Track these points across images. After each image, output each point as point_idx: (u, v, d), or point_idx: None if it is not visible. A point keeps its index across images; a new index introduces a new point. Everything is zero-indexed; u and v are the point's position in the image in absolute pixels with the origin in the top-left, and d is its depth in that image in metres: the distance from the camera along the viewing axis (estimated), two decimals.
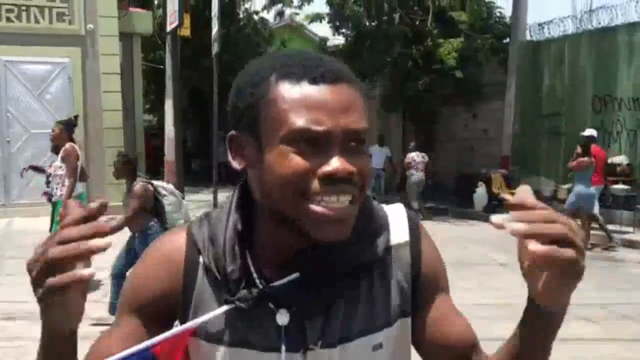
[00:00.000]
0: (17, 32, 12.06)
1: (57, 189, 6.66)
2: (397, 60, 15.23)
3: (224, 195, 12.66)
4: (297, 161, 0.88)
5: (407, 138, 18.73)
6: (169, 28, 12.73)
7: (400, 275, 1.02)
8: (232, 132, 0.97)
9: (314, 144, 0.88)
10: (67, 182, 6.61)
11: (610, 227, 11.34)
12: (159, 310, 1.01)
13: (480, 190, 14.22)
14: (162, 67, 15.84)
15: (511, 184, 14.46)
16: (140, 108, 15.01)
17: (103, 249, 0.75)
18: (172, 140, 12.80)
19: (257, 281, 0.95)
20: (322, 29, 19.62)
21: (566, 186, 13.06)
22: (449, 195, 15.69)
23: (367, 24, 16.03)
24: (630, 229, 10.90)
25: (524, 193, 0.81)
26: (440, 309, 1.05)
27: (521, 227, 0.75)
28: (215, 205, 10.90)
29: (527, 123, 15.29)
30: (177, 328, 0.96)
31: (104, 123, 12.79)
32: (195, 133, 27.93)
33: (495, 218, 0.77)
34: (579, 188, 10.00)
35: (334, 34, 16.89)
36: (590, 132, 10.95)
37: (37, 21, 12.29)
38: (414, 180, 13.38)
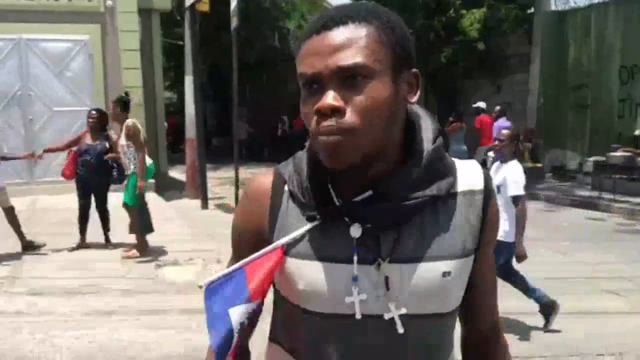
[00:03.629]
0: (37, 10, 12.03)
1: (130, 163, 7.06)
2: (419, 32, 14.99)
3: (245, 172, 12.66)
4: (304, 102, 1.06)
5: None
6: (187, 3, 12.63)
7: (472, 217, 1.13)
8: None
9: (314, 84, 1.03)
10: (138, 157, 6.99)
11: (631, 199, 11.15)
12: (256, 240, 1.16)
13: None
14: (181, 43, 15.76)
15: (536, 157, 14.26)
16: (160, 85, 14.98)
17: None
18: (193, 117, 12.76)
19: (335, 199, 1.09)
20: (342, 0, 19.36)
21: (592, 159, 12.85)
22: None
23: None
24: None
25: None
26: (486, 261, 1.19)
27: None
28: (237, 181, 10.89)
29: (552, 95, 15.03)
30: (265, 248, 1.12)
31: None
32: (215, 110, 27.94)
33: None
34: (454, 147, 12.33)
35: None
36: (479, 104, 13.37)
37: None
38: None
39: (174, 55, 21.38)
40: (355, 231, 1.07)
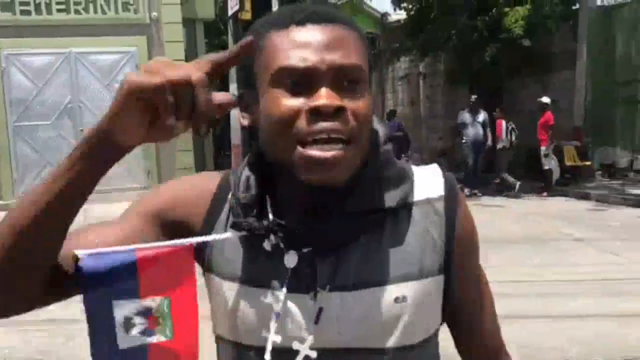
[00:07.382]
0: (85, 23, 12.39)
1: None
2: (462, 32, 14.85)
3: None
4: (284, 101, 0.86)
5: None
6: (230, 12, 12.83)
7: (433, 230, 0.94)
8: (240, 90, 0.96)
9: (302, 82, 0.85)
10: None
11: None
12: (175, 222, 0.97)
13: (552, 164, 13.81)
14: None
15: (585, 156, 13.97)
16: None
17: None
18: (238, 125, 12.95)
19: (270, 214, 0.92)
20: (382, 5, 19.35)
21: None
22: (520, 170, 15.30)
23: None
24: None
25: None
26: (469, 277, 1.00)
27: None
28: None
29: (600, 92, 14.73)
30: (167, 242, 0.90)
31: None
32: None
33: None
34: None
35: (395, 9, 16.62)
36: (544, 99, 13.35)
37: (103, 12, 12.58)
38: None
39: None
40: (291, 260, 0.90)
